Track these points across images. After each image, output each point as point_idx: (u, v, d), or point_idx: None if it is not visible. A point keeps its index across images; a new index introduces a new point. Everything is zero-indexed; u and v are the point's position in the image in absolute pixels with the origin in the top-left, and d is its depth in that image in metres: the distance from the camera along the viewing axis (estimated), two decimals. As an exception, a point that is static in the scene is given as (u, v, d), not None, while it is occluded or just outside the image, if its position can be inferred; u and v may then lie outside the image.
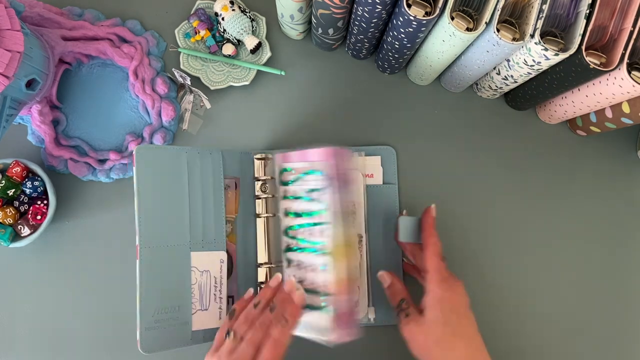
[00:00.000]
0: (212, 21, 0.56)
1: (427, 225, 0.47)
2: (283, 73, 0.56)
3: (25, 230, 0.51)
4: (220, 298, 0.47)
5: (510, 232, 0.56)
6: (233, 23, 0.54)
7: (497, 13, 0.41)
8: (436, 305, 0.43)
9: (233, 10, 0.54)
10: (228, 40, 0.56)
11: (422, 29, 0.43)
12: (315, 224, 0.46)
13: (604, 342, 0.55)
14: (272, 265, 0.49)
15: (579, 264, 0.56)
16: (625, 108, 0.47)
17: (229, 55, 0.55)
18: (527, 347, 0.54)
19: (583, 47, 0.42)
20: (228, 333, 0.43)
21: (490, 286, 0.55)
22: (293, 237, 0.48)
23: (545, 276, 0.56)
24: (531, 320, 0.55)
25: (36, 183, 0.51)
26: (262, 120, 0.57)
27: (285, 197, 0.49)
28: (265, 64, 0.56)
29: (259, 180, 0.51)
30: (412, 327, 0.44)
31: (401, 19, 0.43)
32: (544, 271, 0.56)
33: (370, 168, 0.55)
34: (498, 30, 0.42)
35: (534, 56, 0.43)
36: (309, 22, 0.54)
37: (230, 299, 0.49)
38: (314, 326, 0.45)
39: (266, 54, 0.56)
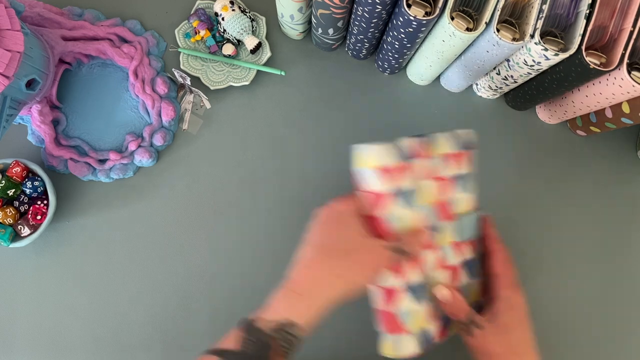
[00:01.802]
0: (212, 21, 0.56)
1: (490, 233, 0.45)
2: (283, 73, 0.56)
3: (26, 231, 0.51)
4: None
5: (507, 230, 0.56)
6: (233, 23, 0.54)
7: (497, 13, 0.41)
8: (514, 310, 0.41)
9: (233, 10, 0.54)
10: (228, 40, 0.56)
11: (422, 29, 0.43)
12: None
13: (605, 344, 0.55)
14: None
15: (578, 263, 0.56)
16: (625, 108, 0.47)
17: (229, 55, 0.55)
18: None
19: (583, 47, 0.42)
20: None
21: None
22: None
23: (544, 275, 0.56)
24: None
25: (36, 183, 0.51)
26: (262, 120, 0.57)
27: None
28: (265, 64, 0.56)
29: None
30: (486, 337, 0.40)
31: (401, 19, 0.43)
32: (542, 270, 0.56)
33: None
34: (498, 30, 0.42)
35: (534, 56, 0.43)
36: (309, 22, 0.54)
37: None
38: None
39: (266, 54, 0.56)
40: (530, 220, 0.56)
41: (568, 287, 0.56)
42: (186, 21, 0.57)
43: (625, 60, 0.42)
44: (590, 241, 0.57)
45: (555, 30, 0.45)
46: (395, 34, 0.46)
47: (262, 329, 0.35)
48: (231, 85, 0.56)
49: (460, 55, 0.49)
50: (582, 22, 0.42)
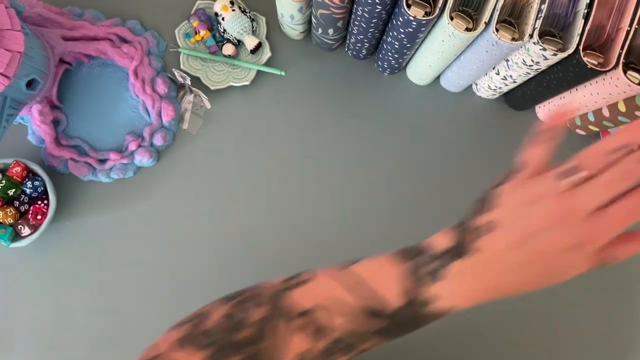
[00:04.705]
0: (212, 21, 0.57)
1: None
2: (283, 73, 0.56)
3: (26, 230, 0.51)
4: None
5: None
6: (233, 23, 0.54)
7: (496, 13, 0.42)
8: None
9: (233, 10, 0.54)
10: (228, 41, 0.56)
11: (422, 29, 0.44)
12: None
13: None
14: None
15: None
16: (622, 107, 0.47)
17: (229, 55, 0.56)
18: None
19: (581, 47, 0.42)
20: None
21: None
22: None
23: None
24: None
25: (36, 183, 0.51)
26: (262, 120, 0.57)
27: None
28: (265, 64, 0.56)
29: None
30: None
31: (401, 19, 0.43)
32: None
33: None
34: (497, 30, 0.42)
35: (532, 56, 0.43)
36: (309, 22, 0.55)
37: None
38: None
39: (266, 54, 0.56)
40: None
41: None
42: (186, 21, 0.57)
43: (622, 60, 0.42)
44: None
45: (553, 30, 0.45)
46: (395, 34, 0.46)
47: None
48: (231, 85, 0.56)
49: (460, 55, 0.49)
50: (580, 22, 0.42)
